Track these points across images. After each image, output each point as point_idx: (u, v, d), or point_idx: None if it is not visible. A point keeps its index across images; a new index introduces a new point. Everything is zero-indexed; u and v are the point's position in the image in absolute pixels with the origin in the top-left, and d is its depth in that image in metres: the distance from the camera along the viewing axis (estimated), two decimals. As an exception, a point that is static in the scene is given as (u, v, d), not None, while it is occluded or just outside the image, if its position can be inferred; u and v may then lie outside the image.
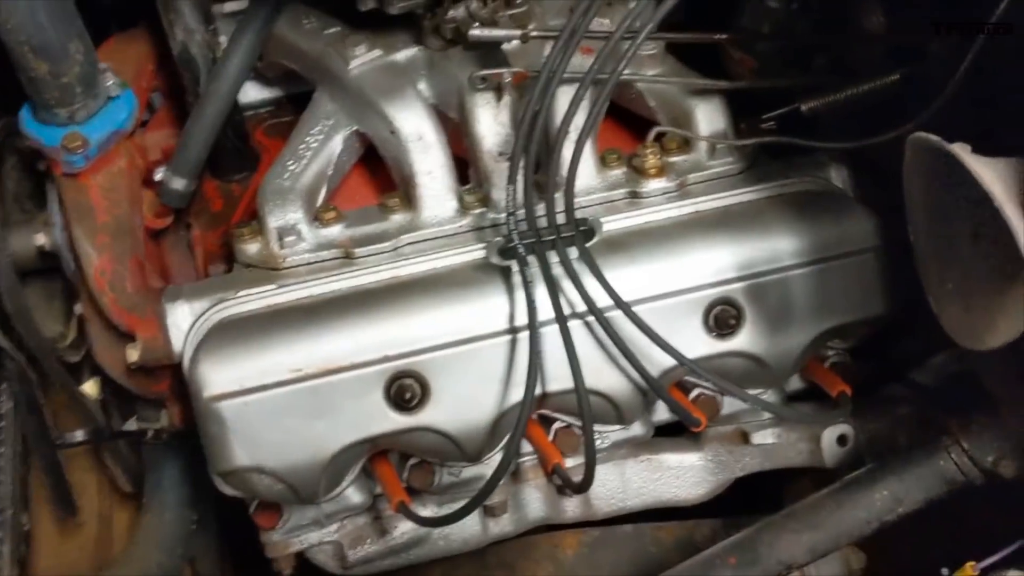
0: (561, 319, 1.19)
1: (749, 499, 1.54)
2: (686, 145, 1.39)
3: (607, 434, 1.40)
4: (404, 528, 1.42)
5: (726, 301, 1.27)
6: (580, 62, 1.24)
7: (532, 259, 1.22)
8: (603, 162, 1.37)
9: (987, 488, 1.23)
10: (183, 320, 1.28)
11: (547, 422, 1.37)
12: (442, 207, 1.33)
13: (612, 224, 1.30)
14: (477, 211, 1.34)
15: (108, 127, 1.31)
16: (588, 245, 1.23)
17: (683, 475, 1.45)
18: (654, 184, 1.35)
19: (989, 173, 0.85)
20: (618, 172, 1.37)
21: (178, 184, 1.39)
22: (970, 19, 1.06)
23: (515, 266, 1.23)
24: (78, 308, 1.42)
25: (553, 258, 1.22)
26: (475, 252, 1.30)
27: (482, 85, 1.32)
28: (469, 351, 1.24)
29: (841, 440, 1.42)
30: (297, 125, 1.40)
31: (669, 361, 1.24)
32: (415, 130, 1.32)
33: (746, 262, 1.27)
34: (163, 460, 1.64)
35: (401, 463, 1.36)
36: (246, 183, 1.52)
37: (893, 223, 1.31)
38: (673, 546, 1.55)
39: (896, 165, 1.07)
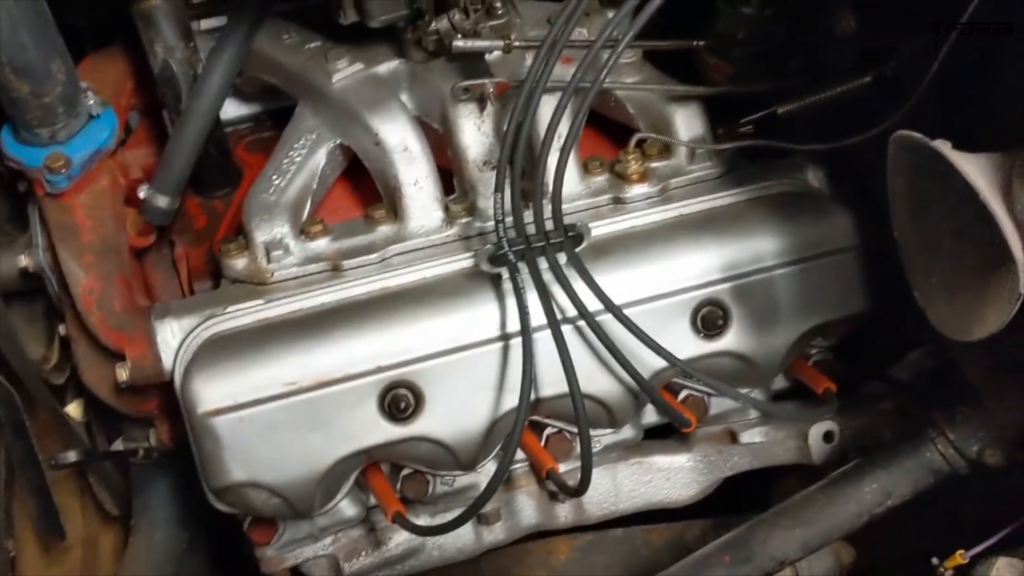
0: (554, 324, 1.20)
1: (736, 500, 1.55)
2: (666, 151, 1.41)
3: (599, 438, 1.41)
4: (399, 539, 1.42)
5: (713, 302, 1.29)
6: (560, 71, 1.26)
7: (522, 265, 1.23)
8: (586, 169, 1.38)
9: (971, 478, 1.26)
10: (172, 337, 1.28)
11: (538, 428, 1.38)
12: (428, 217, 1.34)
13: (598, 229, 1.31)
14: (463, 220, 1.35)
15: (90, 146, 1.30)
16: (577, 250, 1.24)
17: (673, 476, 1.46)
18: (637, 189, 1.37)
19: (973, 168, 0.88)
20: (601, 178, 1.38)
21: (161, 202, 1.38)
22: (943, 20, 1.09)
23: (505, 273, 1.24)
24: (62, 330, 1.41)
25: (543, 264, 1.23)
26: (463, 261, 1.31)
27: (465, 96, 1.33)
28: (462, 359, 1.25)
29: (827, 437, 1.44)
30: (280, 140, 1.40)
31: (659, 363, 1.26)
32: (400, 141, 1.33)
33: (731, 263, 1.29)
34: (151, 481, 1.63)
35: (394, 474, 1.36)
36: (229, 199, 1.52)
37: (868, 220, 1.35)
38: (664, 548, 1.56)
39: (874, 163, 1.10)
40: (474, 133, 1.35)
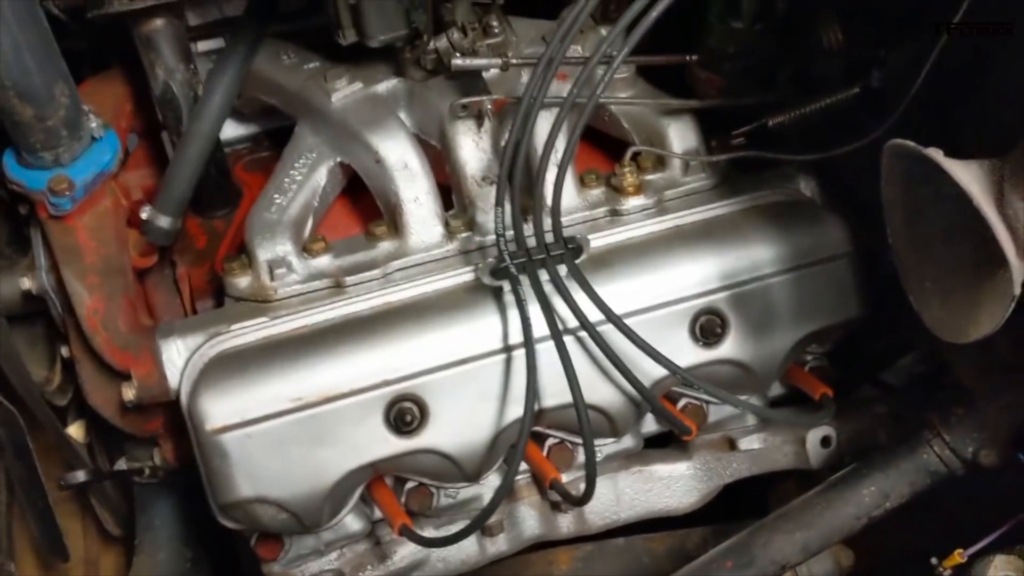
0: (556, 335, 1.22)
1: (734, 507, 1.57)
2: (661, 163, 1.44)
3: (600, 447, 1.42)
4: (403, 552, 1.43)
5: (711, 311, 1.31)
6: (556, 88, 1.28)
7: (523, 278, 1.25)
8: (583, 183, 1.41)
9: (968, 478, 1.28)
10: (178, 356, 1.29)
11: (539, 439, 1.40)
12: (429, 233, 1.36)
13: (596, 241, 1.34)
14: (463, 235, 1.37)
15: (93, 169, 1.31)
16: (577, 262, 1.26)
17: (674, 484, 1.48)
18: (633, 201, 1.39)
19: (965, 174, 0.90)
20: (597, 192, 1.41)
21: (163, 222, 1.40)
22: (928, 32, 1.13)
23: (507, 286, 1.26)
24: (64, 351, 1.42)
25: (543, 276, 1.25)
26: (464, 275, 1.33)
27: (463, 113, 1.35)
28: (465, 371, 1.26)
29: (825, 442, 1.47)
30: (280, 159, 1.42)
31: (660, 372, 1.28)
32: (400, 159, 1.35)
33: (727, 272, 1.32)
34: (154, 500, 1.64)
35: (398, 487, 1.38)
36: (229, 219, 1.53)
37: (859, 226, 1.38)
38: (665, 556, 1.58)
39: (864, 171, 1.12)
40: (472, 149, 1.37)
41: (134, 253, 1.43)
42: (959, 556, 1.18)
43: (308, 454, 1.24)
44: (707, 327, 1.31)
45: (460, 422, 1.27)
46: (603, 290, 1.25)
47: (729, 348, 1.33)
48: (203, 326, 1.31)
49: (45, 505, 1.47)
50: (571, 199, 1.38)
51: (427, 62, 1.38)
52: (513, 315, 1.26)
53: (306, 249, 1.36)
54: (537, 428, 1.37)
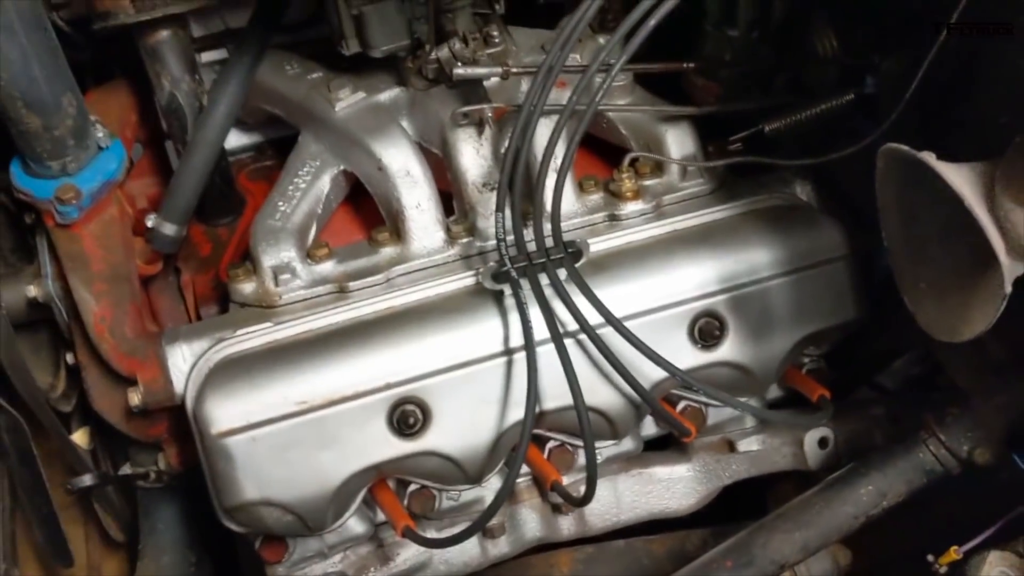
0: (557, 338, 1.24)
1: (733, 509, 1.59)
2: (659, 169, 1.46)
3: (600, 450, 1.44)
4: (406, 555, 1.44)
5: (709, 313, 1.33)
6: (556, 96, 1.30)
7: (524, 282, 1.27)
8: (582, 188, 1.43)
9: (963, 477, 1.30)
10: (183, 361, 1.31)
11: (540, 442, 1.42)
12: (431, 238, 1.38)
13: (595, 246, 1.36)
14: (464, 240, 1.39)
15: (100, 177, 1.33)
16: (576, 266, 1.28)
17: (674, 486, 1.50)
18: (631, 206, 1.41)
19: (957, 177, 0.93)
20: (596, 197, 1.43)
21: (169, 230, 1.42)
22: (919, 41, 1.15)
23: (508, 289, 1.28)
24: (69, 358, 1.43)
25: (544, 280, 1.27)
26: (465, 279, 1.35)
27: (464, 121, 1.37)
28: (467, 374, 1.28)
29: (822, 443, 1.48)
30: (284, 167, 1.44)
31: (659, 374, 1.30)
32: (402, 166, 1.37)
33: (726, 275, 1.33)
34: (157, 505, 1.65)
35: (400, 490, 1.39)
36: (233, 226, 1.55)
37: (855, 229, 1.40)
38: (666, 557, 1.59)
39: (859, 176, 1.14)
40: (473, 156, 1.39)
41: (139, 261, 1.44)
42: (955, 553, 1.19)
43: (312, 457, 1.25)
44: (706, 330, 1.33)
45: (462, 424, 1.28)
46: (602, 293, 1.27)
47: (728, 350, 1.35)
48: (208, 331, 1.33)
49: (49, 511, 1.48)
50: (570, 204, 1.40)
51: (429, 71, 1.41)
52: (514, 318, 1.28)
53: (310, 255, 1.37)
54: (538, 430, 1.38)
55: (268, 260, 1.35)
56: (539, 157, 1.29)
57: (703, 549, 1.42)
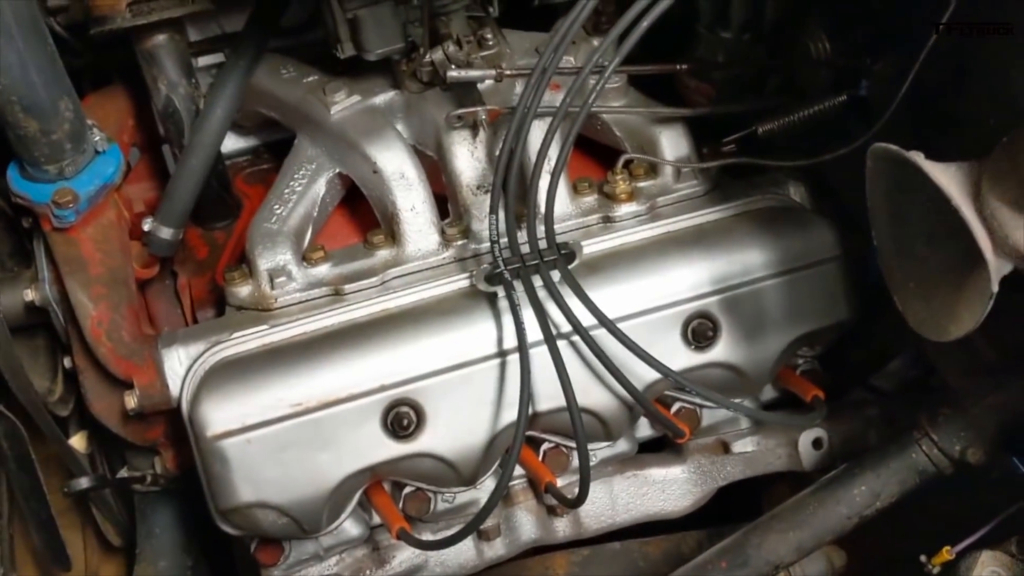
0: (550, 339, 1.24)
1: (728, 510, 1.59)
2: (653, 170, 1.46)
3: (595, 451, 1.44)
4: (402, 557, 1.45)
5: (702, 315, 1.34)
6: (549, 98, 1.31)
7: (517, 284, 1.27)
8: (576, 190, 1.43)
9: (956, 478, 1.30)
10: (179, 364, 1.32)
11: (535, 444, 1.42)
12: (425, 240, 1.38)
13: (589, 247, 1.36)
14: (459, 243, 1.39)
15: (97, 181, 1.34)
16: (569, 268, 1.28)
17: (669, 488, 1.50)
18: (625, 208, 1.42)
19: (944, 176, 0.93)
20: (590, 199, 1.43)
21: (166, 233, 1.43)
22: (910, 44, 1.15)
23: (501, 291, 1.28)
24: (67, 362, 1.44)
25: (537, 282, 1.27)
26: (460, 281, 1.36)
27: (458, 123, 1.38)
28: (461, 376, 1.29)
29: (816, 443, 1.49)
30: (280, 170, 1.45)
31: (652, 375, 1.30)
32: (397, 169, 1.37)
33: (719, 276, 1.34)
34: (154, 508, 1.65)
35: (396, 492, 1.40)
36: (230, 230, 1.56)
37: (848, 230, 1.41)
38: (661, 559, 1.59)
39: (851, 176, 1.15)
40: (468, 159, 1.40)
41: (136, 264, 1.45)
42: (948, 553, 1.19)
43: (307, 459, 1.26)
44: (699, 331, 1.34)
45: (456, 426, 1.29)
46: (596, 295, 1.27)
47: (721, 351, 1.35)
48: (204, 335, 1.33)
49: (47, 515, 1.48)
50: (564, 206, 1.41)
51: (423, 74, 1.41)
52: (508, 320, 1.28)
53: (306, 258, 1.38)
54: (532, 432, 1.39)
55: (264, 263, 1.36)
56: (533, 159, 1.30)
57: (699, 551, 1.42)
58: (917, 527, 1.38)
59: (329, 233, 1.48)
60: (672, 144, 1.45)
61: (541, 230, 1.29)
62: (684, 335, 1.34)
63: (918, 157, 0.95)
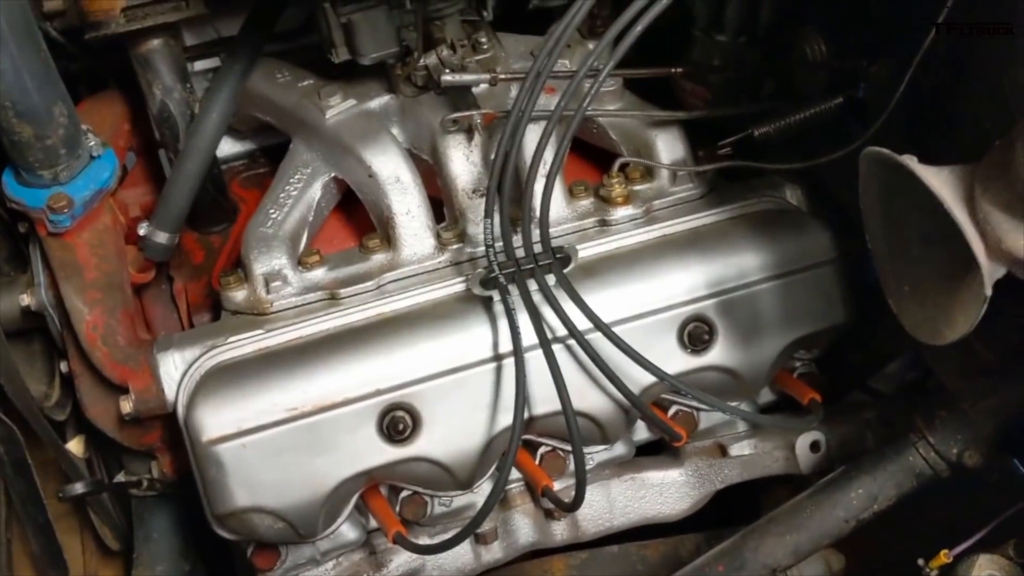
0: (545, 344, 1.24)
1: (726, 513, 1.59)
2: (649, 174, 1.46)
3: (592, 455, 1.44)
4: (399, 561, 1.45)
5: (698, 318, 1.34)
6: (544, 101, 1.31)
7: (513, 288, 1.27)
8: (572, 194, 1.43)
9: (951, 481, 1.30)
10: (175, 369, 1.32)
11: (532, 448, 1.42)
12: (421, 245, 1.38)
13: (585, 251, 1.36)
14: (454, 247, 1.39)
15: (92, 186, 1.34)
16: (565, 271, 1.28)
17: (666, 491, 1.50)
18: (622, 212, 1.42)
19: (937, 180, 0.93)
20: (586, 202, 1.43)
21: (161, 238, 1.43)
22: (906, 47, 1.15)
23: (496, 295, 1.28)
24: (63, 367, 1.44)
25: (532, 286, 1.27)
26: (455, 285, 1.36)
27: (454, 127, 1.38)
28: (457, 380, 1.29)
29: (814, 447, 1.48)
30: (276, 175, 1.45)
31: (648, 379, 1.30)
32: (392, 173, 1.37)
33: (715, 280, 1.34)
34: (152, 513, 1.65)
35: (392, 496, 1.40)
36: (226, 234, 1.56)
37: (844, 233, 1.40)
38: (659, 562, 1.59)
39: (847, 179, 1.15)
40: (463, 163, 1.39)
41: (132, 269, 1.45)
42: (945, 556, 1.19)
43: (303, 463, 1.25)
44: (695, 334, 1.34)
45: (452, 430, 1.29)
46: (591, 299, 1.27)
47: (717, 355, 1.35)
48: (200, 339, 1.33)
49: (45, 520, 1.48)
50: (560, 210, 1.41)
51: (418, 78, 1.41)
52: (503, 324, 1.28)
53: (301, 262, 1.38)
54: (529, 436, 1.39)
55: (259, 267, 1.36)
56: (528, 163, 1.30)
57: (696, 554, 1.41)
58: (915, 530, 1.38)
59: (325, 237, 1.48)
60: (668, 147, 1.44)
61: (537, 234, 1.29)
62: (680, 339, 1.34)
63: (911, 161, 0.95)
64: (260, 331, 1.33)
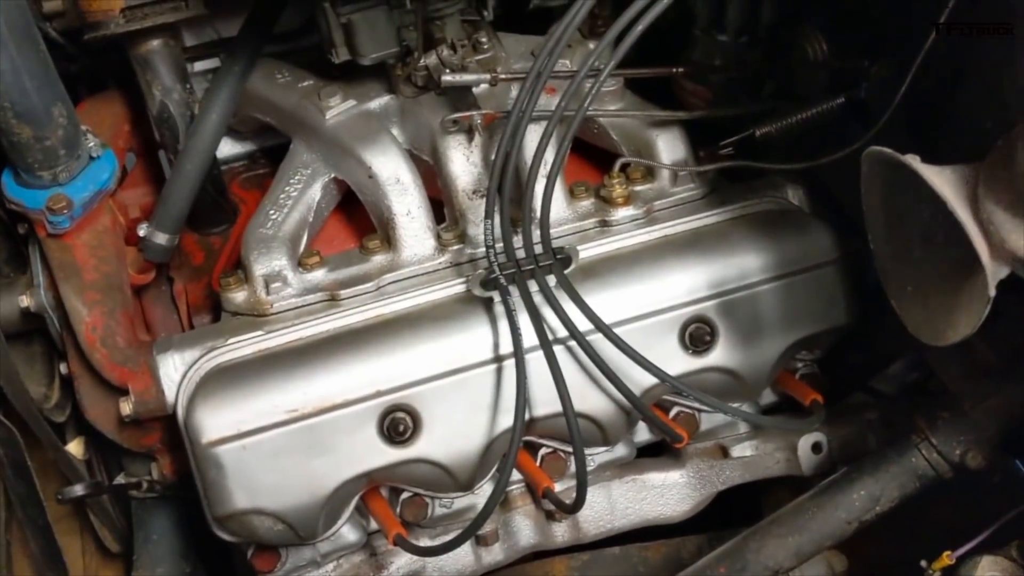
0: (545, 345, 1.24)
1: (728, 515, 1.58)
2: (650, 174, 1.46)
3: (593, 456, 1.44)
4: (399, 563, 1.44)
5: (700, 319, 1.33)
6: (545, 101, 1.31)
7: (513, 289, 1.27)
8: (572, 194, 1.43)
9: (956, 482, 1.29)
10: (175, 370, 1.31)
11: (532, 449, 1.41)
12: (421, 246, 1.38)
13: (586, 252, 1.36)
14: (454, 248, 1.39)
15: (91, 187, 1.34)
16: (566, 272, 1.28)
17: (668, 493, 1.49)
18: (622, 212, 1.41)
19: (940, 179, 0.92)
20: (587, 203, 1.43)
21: (161, 239, 1.42)
22: (907, 47, 1.15)
23: (497, 296, 1.28)
24: (63, 368, 1.44)
25: (533, 287, 1.27)
26: (455, 286, 1.35)
27: (454, 128, 1.38)
28: (457, 381, 1.28)
29: (816, 448, 1.48)
30: (276, 175, 1.44)
31: (650, 380, 1.30)
32: (392, 173, 1.37)
33: (716, 280, 1.33)
34: (152, 515, 1.65)
35: (393, 498, 1.39)
36: (226, 235, 1.56)
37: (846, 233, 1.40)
38: (661, 564, 1.59)
39: (849, 179, 1.14)
40: (463, 163, 1.39)
41: (132, 270, 1.45)
42: (947, 558, 1.19)
43: (303, 465, 1.25)
44: (696, 335, 1.33)
45: (452, 432, 1.28)
46: (592, 300, 1.27)
47: (719, 356, 1.35)
48: (200, 340, 1.33)
49: (44, 522, 1.48)
50: (560, 210, 1.40)
51: (418, 79, 1.41)
52: (503, 325, 1.28)
53: (301, 263, 1.38)
54: (530, 437, 1.39)
55: (259, 269, 1.35)
56: (529, 163, 1.29)
57: (698, 556, 1.41)
58: (917, 531, 1.37)
59: (325, 238, 1.48)
60: (669, 147, 1.44)
61: (537, 235, 1.28)
62: (681, 340, 1.33)
63: (914, 160, 0.94)
64: (260, 332, 1.33)
